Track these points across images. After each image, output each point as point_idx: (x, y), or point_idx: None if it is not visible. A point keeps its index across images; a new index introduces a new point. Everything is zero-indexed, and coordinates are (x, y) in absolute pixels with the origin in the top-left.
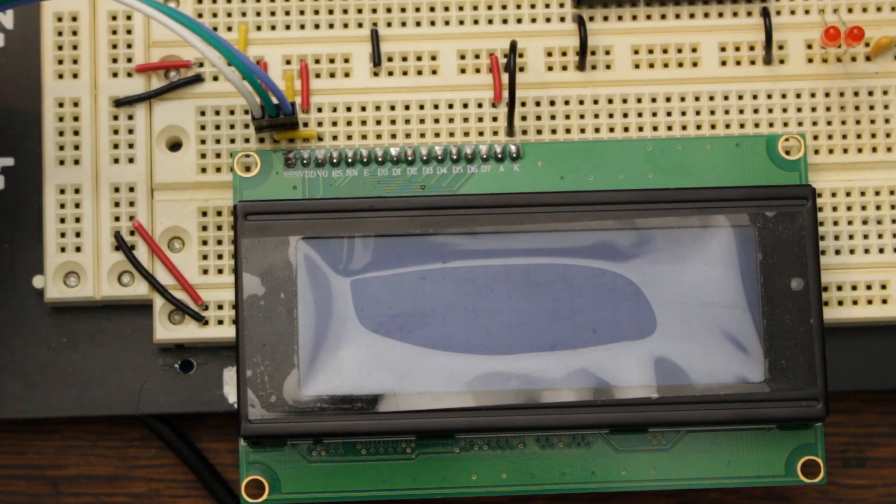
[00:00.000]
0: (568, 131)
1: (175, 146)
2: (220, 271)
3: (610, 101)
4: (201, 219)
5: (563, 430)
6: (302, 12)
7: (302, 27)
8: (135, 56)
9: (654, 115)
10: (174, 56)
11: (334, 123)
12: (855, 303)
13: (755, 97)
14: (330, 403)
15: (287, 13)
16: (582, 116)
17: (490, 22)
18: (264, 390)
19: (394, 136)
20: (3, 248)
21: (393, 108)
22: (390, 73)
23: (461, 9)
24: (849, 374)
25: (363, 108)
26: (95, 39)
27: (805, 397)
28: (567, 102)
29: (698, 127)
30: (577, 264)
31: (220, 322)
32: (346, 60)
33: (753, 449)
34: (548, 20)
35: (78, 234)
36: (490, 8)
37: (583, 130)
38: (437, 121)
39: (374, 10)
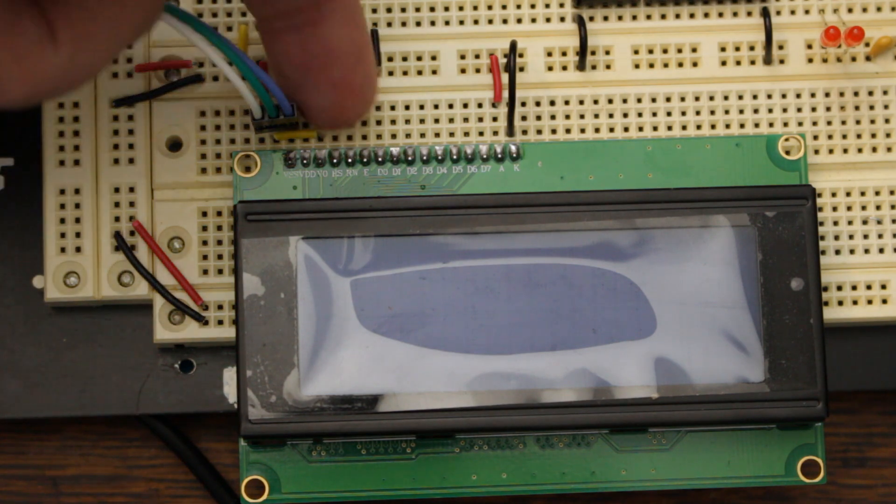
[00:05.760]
0: (568, 131)
1: (175, 146)
2: (220, 271)
3: (610, 101)
4: (201, 219)
5: (563, 430)
6: None
7: None
8: (135, 56)
9: (654, 115)
10: (174, 56)
11: None
12: (855, 303)
13: (755, 97)
14: (330, 403)
15: None
16: (582, 116)
17: (490, 22)
18: (264, 390)
19: (394, 136)
20: (3, 248)
21: (393, 108)
22: (390, 73)
23: (461, 9)
24: (849, 374)
25: None
26: None
27: (805, 397)
28: (567, 102)
29: (698, 127)
30: (577, 264)
31: (220, 322)
32: None
33: (753, 449)
34: (548, 20)
35: (78, 235)
36: (490, 8)
37: (583, 130)
38: (437, 121)
39: (374, 10)
